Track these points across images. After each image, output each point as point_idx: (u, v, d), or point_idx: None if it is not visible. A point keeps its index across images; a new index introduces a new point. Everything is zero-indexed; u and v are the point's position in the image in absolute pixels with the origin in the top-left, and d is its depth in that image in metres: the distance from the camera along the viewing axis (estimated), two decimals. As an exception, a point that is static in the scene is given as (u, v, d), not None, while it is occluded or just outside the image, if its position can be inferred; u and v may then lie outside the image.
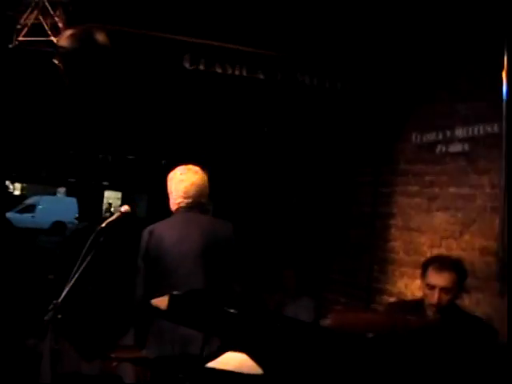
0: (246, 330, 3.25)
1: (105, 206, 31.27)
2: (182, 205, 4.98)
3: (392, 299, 6.72)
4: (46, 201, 33.63)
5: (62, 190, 36.69)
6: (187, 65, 6.15)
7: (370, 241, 7.16)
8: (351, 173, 7.70)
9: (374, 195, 7.16)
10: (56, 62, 5.10)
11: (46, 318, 4.28)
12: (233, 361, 3.76)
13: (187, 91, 7.04)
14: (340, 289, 7.72)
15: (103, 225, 4.54)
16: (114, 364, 6.62)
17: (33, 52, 5.54)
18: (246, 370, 3.48)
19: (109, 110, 9.43)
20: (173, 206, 5.06)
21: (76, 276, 4.34)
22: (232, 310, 3.27)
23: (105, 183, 13.12)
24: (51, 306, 4.30)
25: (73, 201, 33.00)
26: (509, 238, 5.09)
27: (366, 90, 6.78)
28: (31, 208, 32.98)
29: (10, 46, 5.39)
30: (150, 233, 4.89)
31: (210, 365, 3.87)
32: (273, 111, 7.69)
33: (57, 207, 32.50)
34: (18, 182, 30.57)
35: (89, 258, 4.36)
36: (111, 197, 33.46)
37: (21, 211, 31.26)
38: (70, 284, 4.35)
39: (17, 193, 39.01)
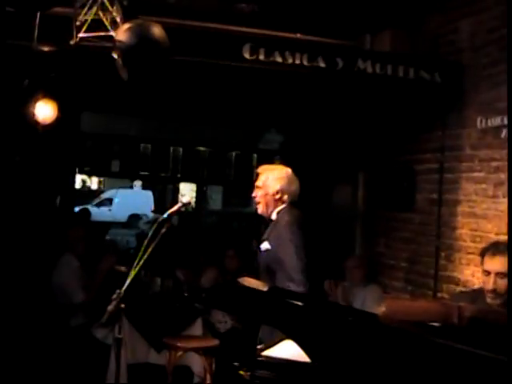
0: (307, 323, 3.28)
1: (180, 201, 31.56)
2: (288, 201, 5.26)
3: (459, 287, 6.67)
4: (122, 194, 34.04)
5: (138, 183, 37.13)
6: (247, 55, 6.20)
7: (436, 228, 7.11)
8: (414, 160, 7.63)
9: (439, 182, 7.10)
10: (115, 56, 5.19)
11: (109, 307, 4.38)
12: (289, 349, 3.81)
13: (250, 81, 7.07)
14: (406, 277, 7.69)
15: (165, 215, 4.66)
16: (180, 354, 6.76)
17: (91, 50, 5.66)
18: (302, 359, 3.52)
19: (175, 101, 9.54)
20: (277, 203, 5.27)
21: (139, 265, 4.44)
22: (296, 302, 3.31)
23: (178, 175, 13.26)
24: (114, 295, 4.39)
25: (149, 194, 33.47)
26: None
27: (429, 75, 6.70)
28: (108, 201, 33.50)
29: (72, 42, 5.49)
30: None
31: (267, 353, 3.93)
32: (336, 100, 7.68)
33: (133, 200, 32.95)
34: (92, 175, 31.00)
35: (151, 247, 4.45)
36: (186, 189, 33.78)
37: (98, 205, 31.80)
38: (133, 274, 4.44)
39: (94, 187, 39.70)
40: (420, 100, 7.26)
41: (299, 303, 3.30)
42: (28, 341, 7.03)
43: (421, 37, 7.46)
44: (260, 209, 5.37)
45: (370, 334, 3.04)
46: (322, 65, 6.39)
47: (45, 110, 7.54)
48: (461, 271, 6.72)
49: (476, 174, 6.58)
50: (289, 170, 5.47)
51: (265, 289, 3.65)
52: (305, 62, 6.35)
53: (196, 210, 21.77)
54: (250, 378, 3.46)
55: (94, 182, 40.02)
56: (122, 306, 4.40)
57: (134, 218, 31.19)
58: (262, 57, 6.24)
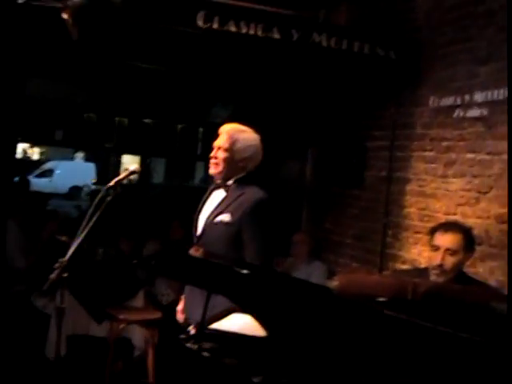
0: (255, 291, 3.21)
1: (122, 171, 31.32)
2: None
3: (405, 266, 6.68)
4: (63, 166, 33.64)
5: (79, 155, 36.73)
6: (201, 23, 6.07)
7: (384, 206, 7.11)
8: (365, 137, 7.61)
9: (389, 159, 7.08)
10: (65, 16, 5.04)
11: (52, 276, 4.27)
12: (237, 322, 3.75)
13: (201, 50, 6.95)
14: (352, 254, 7.70)
15: (111, 183, 4.53)
16: (122, 326, 6.66)
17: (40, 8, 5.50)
18: (249, 332, 3.47)
19: (122, 70, 9.39)
20: (240, 170, 4.77)
21: (83, 235, 4.32)
22: (243, 271, 3.22)
23: (122, 147, 13.17)
24: (57, 264, 4.28)
25: (91, 166, 33.11)
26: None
27: (384, 52, 6.66)
28: (49, 173, 33.05)
29: (20, 1, 5.33)
30: None
31: (214, 326, 3.87)
32: (287, 73, 7.59)
33: (75, 172, 32.56)
34: (32, 143, 30.47)
35: (95, 217, 4.34)
36: (129, 162, 33.50)
37: (39, 175, 31.35)
38: (77, 243, 4.33)
39: (35, 157, 39.08)
40: (374, 76, 7.23)
41: (252, 273, 3.22)
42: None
43: (377, 13, 7.43)
44: (215, 171, 4.76)
45: (322, 306, 2.98)
46: (277, 36, 6.29)
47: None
48: (407, 250, 6.73)
49: (427, 154, 6.58)
50: (258, 136, 4.88)
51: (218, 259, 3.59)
52: (259, 33, 6.24)
53: (139, 182, 21.54)
54: (197, 350, 3.38)
55: (35, 153, 39.41)
56: (65, 275, 4.28)
57: (75, 189, 30.84)
58: (216, 25, 6.11)
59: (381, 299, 3.03)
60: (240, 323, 3.69)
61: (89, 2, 4.85)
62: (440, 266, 4.46)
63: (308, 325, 3.01)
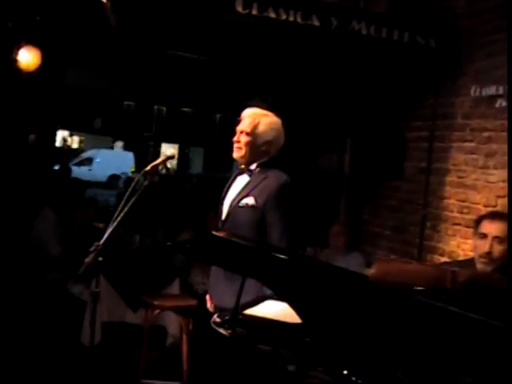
0: (291, 277, 3.16)
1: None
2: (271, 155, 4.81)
3: (443, 258, 6.59)
4: (103, 154, 33.88)
5: (119, 144, 36.93)
6: (240, 9, 6.03)
7: (423, 197, 7.02)
8: (404, 127, 7.51)
9: (429, 150, 6.99)
10: (104, 0, 5.03)
11: (87, 259, 4.27)
12: (272, 309, 3.71)
13: (240, 38, 6.91)
14: (390, 245, 7.62)
15: (148, 168, 4.51)
16: (157, 312, 6.66)
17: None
18: (284, 319, 3.43)
19: (160, 59, 9.39)
20: (261, 155, 4.75)
21: (118, 219, 4.31)
22: (281, 256, 3.18)
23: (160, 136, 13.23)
24: (92, 247, 4.28)
25: (129, 155, 33.28)
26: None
27: (424, 40, 6.55)
28: (88, 161, 33.31)
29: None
30: None
31: (248, 312, 3.82)
32: (327, 59, 7.51)
33: (114, 161, 32.73)
34: (71, 130, 30.64)
35: (131, 201, 4.33)
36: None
37: (78, 164, 31.60)
38: (112, 227, 4.32)
39: (75, 146, 39.35)
40: (414, 65, 7.13)
41: (290, 259, 3.18)
42: (4, 294, 6.93)
43: (417, 1, 7.33)
44: (239, 154, 4.76)
45: (358, 293, 2.93)
46: (316, 23, 6.22)
47: (28, 57, 7.35)
48: (446, 242, 6.64)
49: (467, 144, 6.47)
50: (280, 121, 4.84)
51: (253, 243, 3.55)
52: (299, 20, 6.17)
53: (177, 172, 21.61)
54: (231, 335, 3.35)
55: (75, 142, 39.69)
56: (100, 259, 4.29)
57: (114, 178, 30.98)
58: (255, 11, 6.05)
59: (418, 288, 2.97)
60: (275, 310, 3.64)
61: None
62: (488, 253, 4.39)
63: (344, 312, 2.96)
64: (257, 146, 4.72)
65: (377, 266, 3.33)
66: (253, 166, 4.74)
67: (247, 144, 4.73)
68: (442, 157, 6.80)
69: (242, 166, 4.80)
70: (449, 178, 6.69)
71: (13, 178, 8.72)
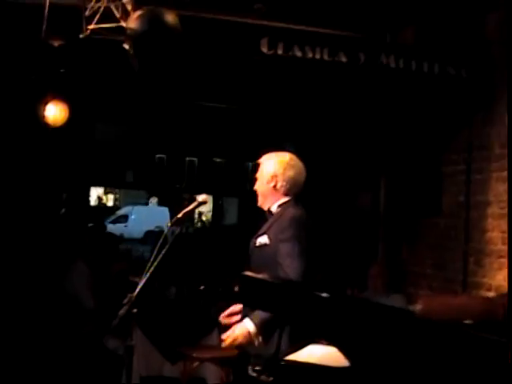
0: (335, 316, 2.97)
1: (196, 215, 31.45)
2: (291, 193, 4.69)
3: (491, 293, 6.35)
4: (138, 211, 34.01)
5: (153, 199, 37.08)
6: (265, 49, 5.92)
7: (464, 232, 6.79)
8: (439, 161, 7.32)
9: (466, 183, 6.78)
10: (126, 47, 4.93)
11: (120, 312, 4.13)
12: (314, 353, 3.52)
13: (266, 80, 6.81)
14: (432, 284, 7.38)
15: (179, 215, 4.39)
16: (196, 364, 6.48)
17: (102, 41, 5.43)
18: (329, 363, 3.24)
19: (188, 109, 9.35)
20: (276, 194, 4.65)
21: (152, 268, 4.19)
22: (324, 294, 2.99)
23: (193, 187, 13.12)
24: (126, 299, 4.15)
25: (164, 210, 33.27)
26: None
27: (452, 69, 6.40)
28: (124, 218, 33.41)
29: (81, 35, 5.24)
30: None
31: (291, 357, 3.63)
32: (356, 95, 7.37)
33: (149, 216, 32.77)
34: (104, 186, 30.78)
35: (165, 249, 4.21)
36: (202, 208, 33.66)
37: (114, 221, 31.66)
38: (146, 277, 4.19)
39: (110, 204, 39.64)
40: (446, 97, 6.97)
41: (333, 297, 2.99)
42: (40, 349, 6.83)
43: (446, 31, 7.17)
44: (259, 202, 4.70)
45: (406, 330, 2.73)
46: (344, 59, 6.10)
47: (55, 112, 7.29)
48: (492, 276, 6.41)
49: (506, 174, 6.25)
50: (288, 155, 4.72)
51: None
52: (325, 57, 6.07)
53: (212, 224, 21.51)
54: (273, 382, 3.17)
55: (109, 199, 40.00)
56: (134, 310, 4.15)
57: (150, 234, 30.95)
58: (280, 51, 5.96)
59: (468, 322, 2.77)
60: (317, 354, 3.45)
61: (148, 28, 4.72)
62: None
63: (392, 351, 2.76)
64: (264, 185, 4.64)
65: (422, 301, 3.14)
66: (273, 207, 4.64)
67: (259, 188, 4.70)
68: (482, 189, 6.59)
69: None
70: (490, 210, 6.48)
71: (46, 237, 8.66)
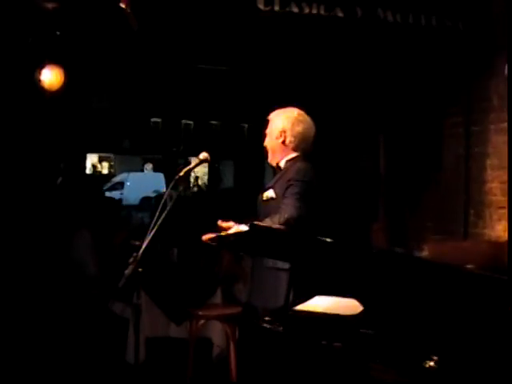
0: (340, 261, 3.01)
1: (192, 180, 31.35)
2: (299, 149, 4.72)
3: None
4: (133, 178, 33.82)
5: (149, 166, 36.99)
6: (261, 6, 5.89)
7: (465, 183, 6.82)
8: (438, 114, 7.32)
9: (466, 135, 6.80)
10: (122, 5, 4.92)
11: (126, 271, 4.15)
12: (321, 304, 3.55)
13: (263, 39, 6.78)
14: (434, 237, 7.41)
15: (181, 173, 4.38)
16: (202, 322, 6.52)
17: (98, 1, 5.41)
18: (336, 312, 3.29)
19: (184, 71, 9.30)
20: (284, 150, 4.70)
21: (155, 228, 4.19)
22: (327, 239, 3.03)
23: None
24: (131, 259, 4.16)
25: (160, 176, 33.17)
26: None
27: (450, 21, 6.37)
28: (120, 185, 33.31)
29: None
30: None
31: (299, 308, 3.67)
32: (353, 51, 7.34)
33: (145, 183, 32.68)
34: (100, 152, 30.62)
35: (168, 208, 4.21)
36: (198, 171, 33.53)
37: (110, 189, 31.51)
38: (149, 237, 4.19)
39: (105, 172, 39.50)
40: (444, 51, 6.94)
41: (338, 243, 3.02)
42: (45, 316, 6.88)
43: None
44: (269, 158, 4.76)
45: (412, 273, 2.77)
46: (340, 14, 6.07)
47: (51, 76, 7.24)
48: (492, 227, 6.46)
49: (505, 125, 6.26)
50: (297, 111, 4.73)
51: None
52: (322, 12, 6.03)
53: (209, 188, 21.50)
54: (282, 332, 3.21)
55: (104, 167, 39.87)
56: (140, 269, 4.15)
57: (147, 200, 30.93)
58: (277, 7, 5.92)
59: (470, 266, 2.81)
60: (323, 304, 3.49)
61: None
62: None
63: (398, 295, 2.80)
64: (274, 140, 4.68)
65: (429, 247, 3.17)
66: (282, 163, 4.69)
67: (268, 143, 4.74)
68: (481, 140, 6.61)
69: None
70: (489, 162, 6.52)
71: (46, 204, 8.65)
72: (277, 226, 3.66)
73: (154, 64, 8.73)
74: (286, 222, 4.14)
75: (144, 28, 5.44)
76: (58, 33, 6.36)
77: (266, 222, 4.13)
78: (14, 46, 6.58)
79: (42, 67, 7.12)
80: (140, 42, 6.56)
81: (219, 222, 4.49)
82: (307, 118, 4.73)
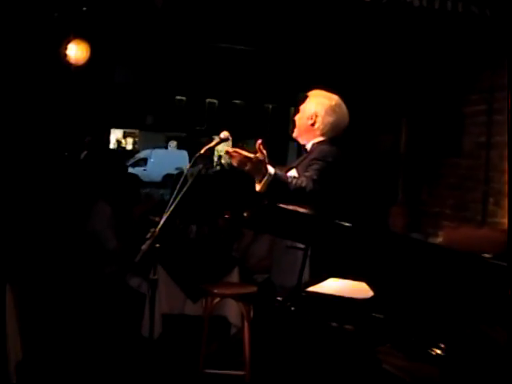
0: (359, 245, 3.03)
1: (215, 158, 31.37)
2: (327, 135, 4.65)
3: (509, 234, 6.37)
4: (157, 154, 33.89)
5: (173, 143, 36.97)
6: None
7: (484, 173, 6.79)
8: (461, 102, 7.28)
9: (487, 124, 6.76)
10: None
11: (143, 247, 4.17)
12: (333, 286, 3.58)
13: (286, 17, 6.77)
14: (452, 225, 7.39)
15: (202, 151, 4.38)
16: (217, 301, 6.55)
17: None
18: (348, 295, 3.31)
19: (209, 50, 9.31)
20: (312, 132, 4.64)
21: (174, 204, 4.20)
22: (345, 223, 3.04)
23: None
24: (149, 234, 4.18)
25: (184, 153, 33.20)
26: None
27: (476, 8, 6.33)
28: (143, 162, 33.41)
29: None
30: None
31: (312, 289, 3.70)
32: (378, 35, 7.32)
33: (168, 160, 32.74)
34: (123, 128, 30.58)
35: (188, 185, 4.21)
36: (222, 150, 33.52)
37: (133, 165, 31.60)
38: (168, 212, 4.21)
39: (129, 147, 39.57)
40: (469, 37, 6.90)
41: (356, 227, 3.04)
42: (62, 289, 6.93)
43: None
44: (295, 133, 4.72)
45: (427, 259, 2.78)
46: (366, -2, 6.05)
47: (77, 51, 7.30)
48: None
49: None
50: (335, 100, 4.66)
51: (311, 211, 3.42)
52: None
53: (231, 167, 21.48)
54: (295, 312, 3.24)
55: (129, 143, 39.97)
56: (157, 245, 4.18)
57: (169, 177, 30.96)
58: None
59: (487, 255, 2.81)
60: (336, 287, 3.51)
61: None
62: None
63: (412, 279, 2.82)
64: (304, 119, 4.64)
65: (444, 233, 3.17)
66: (309, 145, 4.64)
67: (298, 119, 4.70)
68: (503, 129, 6.57)
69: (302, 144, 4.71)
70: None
71: (68, 178, 8.72)
72: (293, 207, 3.66)
73: (180, 42, 8.74)
74: (298, 190, 4.08)
75: (170, 5, 5.44)
76: (84, 8, 6.38)
77: (281, 177, 4.06)
78: (40, 21, 6.62)
79: (68, 42, 7.17)
80: (166, 19, 6.57)
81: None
82: (343, 109, 4.68)
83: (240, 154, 3.95)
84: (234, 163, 3.99)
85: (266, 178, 3.94)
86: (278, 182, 3.99)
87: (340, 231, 3.03)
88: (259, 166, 3.93)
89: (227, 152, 4.04)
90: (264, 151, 3.97)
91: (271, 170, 3.97)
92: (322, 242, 3.27)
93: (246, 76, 11.66)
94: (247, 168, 3.94)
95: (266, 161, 3.95)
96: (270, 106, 12.68)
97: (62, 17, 6.49)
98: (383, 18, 6.52)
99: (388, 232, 3.88)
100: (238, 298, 6.63)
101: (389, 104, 8.63)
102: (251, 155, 3.91)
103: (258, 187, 3.97)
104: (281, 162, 4.70)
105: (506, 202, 6.50)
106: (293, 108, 12.14)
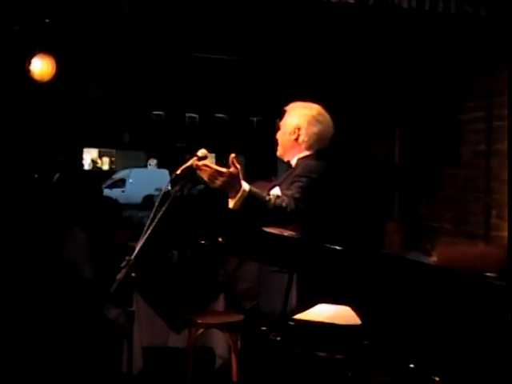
0: (350, 268, 3.02)
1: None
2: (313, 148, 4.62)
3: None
4: (136, 174, 33.69)
5: (153, 161, 36.96)
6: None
7: (485, 183, 6.80)
8: (457, 109, 7.30)
9: (487, 131, 6.78)
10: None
11: (118, 276, 4.13)
12: (323, 312, 3.56)
13: (269, 24, 6.79)
14: (452, 240, 7.39)
15: (178, 171, 4.35)
16: (201, 331, 6.52)
17: None
18: (338, 322, 3.29)
19: (187, 61, 9.31)
20: (297, 147, 4.61)
21: (151, 228, 4.17)
22: (336, 247, 3.03)
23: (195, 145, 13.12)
24: (124, 263, 4.14)
25: (165, 173, 33.03)
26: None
27: (470, 7, 6.34)
28: (121, 182, 33.21)
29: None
30: None
31: (300, 316, 3.68)
32: (366, 40, 7.33)
33: (148, 180, 32.53)
34: (98, 147, 30.43)
35: (163, 208, 4.18)
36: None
37: (110, 186, 31.36)
38: (144, 239, 4.17)
39: (105, 167, 39.50)
40: (463, 38, 6.92)
41: (346, 250, 3.03)
42: (37, 320, 6.90)
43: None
44: (279, 151, 4.68)
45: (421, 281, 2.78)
46: (352, 0, 6.05)
47: (42, 66, 7.27)
48: (516, 230, 6.42)
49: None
50: (316, 109, 4.62)
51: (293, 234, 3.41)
52: (333, -1, 6.03)
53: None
54: (281, 342, 3.22)
55: (105, 163, 39.92)
56: (133, 274, 4.13)
57: (150, 198, 30.80)
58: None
59: (490, 274, 2.81)
60: (326, 313, 3.49)
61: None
62: None
63: (405, 302, 2.81)
64: (286, 135, 4.61)
65: (438, 251, 3.17)
66: (293, 161, 4.62)
67: (280, 136, 4.67)
68: (503, 137, 6.58)
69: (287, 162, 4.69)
70: (512, 159, 6.49)
71: (41, 202, 8.68)
72: (274, 229, 3.63)
73: (155, 53, 8.74)
74: (278, 210, 4.02)
75: (143, 15, 5.45)
76: (47, 20, 6.36)
77: (257, 194, 4.00)
78: (0, 34, 6.60)
79: (32, 57, 7.14)
80: (139, 29, 6.57)
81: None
82: (327, 118, 4.64)
83: (210, 167, 3.90)
84: (204, 178, 3.93)
85: (239, 194, 3.89)
86: (253, 200, 3.94)
87: (327, 255, 3.02)
88: (232, 180, 3.88)
89: (196, 166, 3.93)
90: (238, 165, 3.91)
91: (246, 186, 3.92)
92: (308, 267, 3.24)
93: (228, 88, 11.65)
94: (218, 183, 3.89)
95: (240, 176, 3.90)
96: (255, 119, 12.67)
97: (23, 30, 6.47)
98: (371, 22, 6.53)
99: (379, 254, 3.86)
100: (224, 327, 6.61)
101: (380, 112, 8.65)
102: (223, 169, 3.86)
103: (231, 204, 3.93)
104: (270, 176, 4.66)
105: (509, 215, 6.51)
106: (279, 120, 12.08)
